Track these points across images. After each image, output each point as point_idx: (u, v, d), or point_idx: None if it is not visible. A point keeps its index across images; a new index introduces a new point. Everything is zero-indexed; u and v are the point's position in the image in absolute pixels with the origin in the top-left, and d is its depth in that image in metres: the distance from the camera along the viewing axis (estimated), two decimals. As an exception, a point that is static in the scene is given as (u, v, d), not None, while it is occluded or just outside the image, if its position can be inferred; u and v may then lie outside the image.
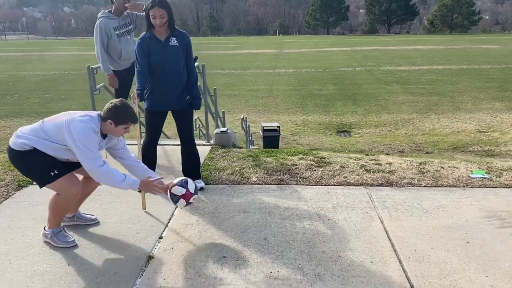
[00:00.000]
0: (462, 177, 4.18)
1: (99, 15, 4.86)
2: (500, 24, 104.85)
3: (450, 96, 22.23)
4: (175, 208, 3.55)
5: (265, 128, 14.55)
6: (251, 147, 8.61)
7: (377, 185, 4.03)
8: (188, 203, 3.05)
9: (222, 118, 7.09)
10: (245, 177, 4.21)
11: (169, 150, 5.16)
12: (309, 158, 4.73)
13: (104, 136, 2.96)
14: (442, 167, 4.44)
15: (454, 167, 4.45)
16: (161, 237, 3.13)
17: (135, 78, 3.85)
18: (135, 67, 3.74)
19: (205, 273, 2.68)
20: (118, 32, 4.77)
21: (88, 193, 3.25)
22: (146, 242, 3.05)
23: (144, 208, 3.52)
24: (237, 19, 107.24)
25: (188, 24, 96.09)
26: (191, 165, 4.00)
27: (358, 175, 4.25)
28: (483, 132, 16.42)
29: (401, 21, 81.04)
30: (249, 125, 14.49)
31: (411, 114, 19.17)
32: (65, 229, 3.10)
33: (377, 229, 3.23)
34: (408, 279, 2.62)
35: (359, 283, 2.59)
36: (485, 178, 4.14)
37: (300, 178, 4.19)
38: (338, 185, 4.05)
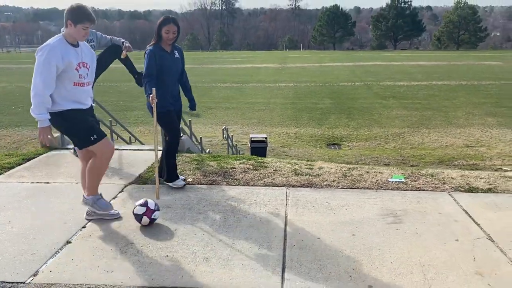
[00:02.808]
0: (381, 180, 4.52)
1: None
2: (511, 41, 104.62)
3: (444, 111, 22.44)
4: (112, 198, 3.98)
5: (252, 139, 14.97)
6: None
7: (298, 186, 4.38)
8: (151, 220, 3.46)
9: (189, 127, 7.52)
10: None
11: (125, 154, 5.60)
12: (249, 163, 5.11)
13: (75, 45, 3.32)
14: (367, 172, 4.78)
15: (379, 172, 4.79)
16: (84, 227, 3.52)
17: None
18: (145, 73, 4.15)
19: (109, 255, 3.06)
20: None
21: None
22: (70, 230, 3.43)
23: (157, 197, 3.92)
24: (247, 34, 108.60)
25: (199, 38, 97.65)
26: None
27: (286, 177, 4.62)
28: (470, 146, 16.61)
29: (408, 37, 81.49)
30: (232, 135, 14.93)
31: (403, 128, 19.44)
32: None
33: (279, 222, 3.58)
34: (284, 262, 2.97)
35: (238, 264, 2.95)
36: (401, 181, 4.48)
37: (231, 179, 4.56)
38: (263, 186, 4.40)
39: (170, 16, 4.20)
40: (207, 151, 8.79)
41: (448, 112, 22.12)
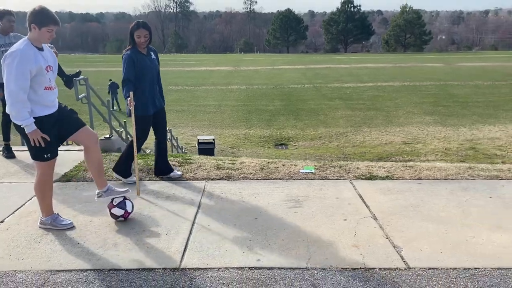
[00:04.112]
0: (293, 172, 4.94)
1: None
2: (455, 44, 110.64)
3: (386, 111, 23.61)
4: (31, 197, 4.14)
5: (200, 141, 15.22)
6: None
7: (217, 179, 4.73)
8: (112, 214, 3.67)
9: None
10: (107, 176, 4.81)
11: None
12: (176, 160, 5.39)
13: (40, 48, 3.32)
14: (283, 165, 5.18)
15: (293, 165, 5.22)
16: (2, 221, 3.68)
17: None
18: (123, 78, 4.32)
19: (23, 245, 3.25)
20: (2, 49, 5.33)
21: (96, 167, 3.70)
22: (-13, 225, 3.60)
23: (138, 194, 4.18)
24: (202, 37, 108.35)
25: (154, 41, 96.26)
26: (165, 162, 4.75)
27: (207, 172, 4.94)
28: (408, 143, 17.65)
29: (358, 40, 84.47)
30: (177, 136, 15.10)
31: (346, 128, 20.31)
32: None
33: (191, 211, 3.89)
34: (186, 245, 3.27)
35: (144, 247, 3.23)
36: (311, 172, 4.92)
37: (154, 175, 4.84)
38: (184, 180, 4.72)
39: (141, 21, 4.43)
40: (147, 152, 8.96)
41: (390, 112, 23.29)
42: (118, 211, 3.63)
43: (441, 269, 2.93)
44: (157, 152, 4.81)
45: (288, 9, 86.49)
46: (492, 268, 2.94)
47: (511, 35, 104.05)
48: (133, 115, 4.24)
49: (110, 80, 25.18)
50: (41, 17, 3.22)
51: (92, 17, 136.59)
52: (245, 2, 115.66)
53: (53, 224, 3.52)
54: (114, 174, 4.69)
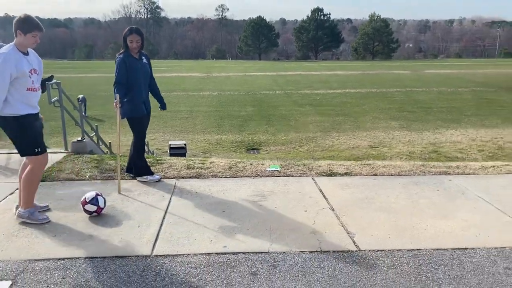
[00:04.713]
0: (260, 170, 5.25)
1: None
2: (422, 51, 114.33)
3: (354, 117, 24.32)
4: (6, 196, 4.28)
5: (171, 146, 15.34)
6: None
7: (187, 178, 4.98)
8: (85, 210, 3.87)
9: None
10: (80, 175, 4.99)
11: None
12: (148, 161, 5.60)
13: (25, 53, 3.57)
14: (251, 164, 5.49)
15: (261, 164, 5.53)
16: (-22, 218, 3.83)
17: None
18: (115, 80, 4.57)
19: (1, 239, 3.42)
20: None
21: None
22: (-35, 222, 3.74)
23: (119, 191, 4.41)
24: (174, 43, 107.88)
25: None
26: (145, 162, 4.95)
27: (178, 171, 5.19)
28: (374, 147, 18.29)
29: (328, 48, 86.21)
30: (148, 141, 15.17)
31: (316, 133, 20.84)
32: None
33: (162, 206, 4.14)
34: (157, 235, 3.52)
35: (118, 239, 3.46)
36: (276, 170, 5.24)
37: (127, 174, 5.04)
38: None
39: (134, 27, 4.71)
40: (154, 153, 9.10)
41: (358, 117, 24.00)
42: (91, 207, 3.83)
43: (388, 250, 3.29)
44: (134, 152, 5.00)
45: (260, 16, 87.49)
46: (432, 249, 3.32)
47: (474, 43, 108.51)
48: (118, 116, 4.45)
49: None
50: (26, 24, 3.50)
51: (60, 23, 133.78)
52: (216, 9, 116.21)
53: (30, 218, 3.69)
54: (138, 178, 4.83)
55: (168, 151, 15.34)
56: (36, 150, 3.63)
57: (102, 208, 3.88)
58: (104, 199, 3.92)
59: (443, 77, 44.18)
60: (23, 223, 3.70)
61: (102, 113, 22.82)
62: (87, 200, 3.83)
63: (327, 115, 24.67)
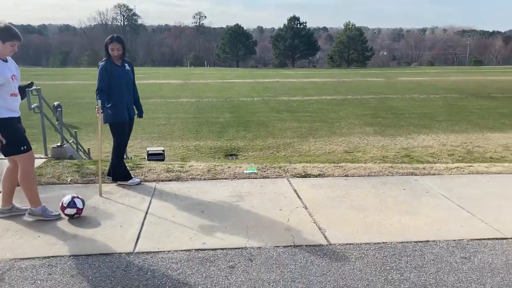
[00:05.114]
0: (237, 172, 5.46)
1: None
2: (396, 59, 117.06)
3: (330, 123, 24.83)
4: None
5: (149, 152, 15.36)
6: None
7: (167, 180, 5.14)
8: (65, 214, 3.98)
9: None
10: (61, 179, 5.10)
11: None
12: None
13: (4, 60, 3.69)
14: (228, 167, 5.70)
15: (238, 167, 5.74)
16: (-39, 221, 3.90)
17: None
18: (97, 87, 4.68)
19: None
20: None
21: (14, 186, 3.97)
22: None
23: (100, 194, 4.55)
24: (151, 50, 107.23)
25: (100, 54, 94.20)
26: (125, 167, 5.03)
27: (158, 174, 5.35)
28: (349, 152, 18.72)
29: (305, 56, 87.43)
30: (126, 148, 15.17)
31: (293, 139, 21.19)
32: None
33: (143, 207, 4.29)
34: (139, 234, 3.68)
35: (101, 238, 3.61)
36: (253, 172, 5.46)
37: (107, 178, 5.17)
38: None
39: (115, 35, 4.88)
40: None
41: (334, 123, 24.52)
42: (70, 211, 3.96)
43: (356, 244, 3.54)
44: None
45: (237, 24, 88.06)
46: (397, 242, 3.59)
47: (446, 51, 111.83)
48: (100, 122, 4.59)
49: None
50: (5, 32, 3.64)
51: (34, 29, 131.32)
52: (194, 16, 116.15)
53: (43, 215, 3.88)
54: (118, 182, 4.97)
55: (146, 158, 15.39)
56: (22, 148, 3.79)
57: (82, 209, 4.00)
58: (82, 200, 4.05)
59: (415, 84, 45.40)
60: (5, 223, 3.80)
61: (78, 121, 22.61)
62: (65, 205, 3.96)
63: (304, 121, 25.10)
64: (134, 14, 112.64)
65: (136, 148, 19.08)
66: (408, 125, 24.17)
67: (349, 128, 23.89)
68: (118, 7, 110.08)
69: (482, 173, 5.69)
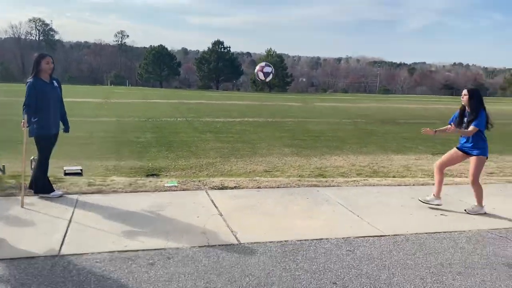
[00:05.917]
0: (159, 186, 5.83)
1: None
2: (314, 86, 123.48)
3: (251, 143, 25.69)
4: None
5: (66, 171, 14.90)
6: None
7: (90, 193, 5.38)
8: None
9: None
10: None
11: None
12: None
13: None
14: (150, 181, 6.05)
15: (159, 181, 6.11)
16: None
17: None
18: (25, 102, 4.84)
19: None
20: None
21: None
22: None
23: (22, 205, 4.64)
24: (69, 67, 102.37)
25: (11, 69, 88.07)
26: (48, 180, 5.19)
27: (80, 188, 5.56)
28: (268, 171, 19.46)
29: (229, 79, 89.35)
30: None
31: (216, 158, 21.58)
32: None
33: (66, 216, 4.52)
34: (64, 240, 3.93)
35: (28, 244, 3.81)
36: (174, 185, 5.87)
37: (29, 191, 5.27)
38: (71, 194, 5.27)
39: (44, 52, 5.24)
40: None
41: (255, 144, 25.38)
42: None
43: (262, 242, 4.11)
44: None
45: (161, 45, 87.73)
46: (296, 240, 4.22)
47: (358, 80, 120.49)
48: (25, 135, 4.75)
49: None
50: None
51: None
52: (116, 35, 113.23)
53: None
54: (41, 194, 5.08)
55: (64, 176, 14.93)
56: None
57: None
58: None
59: (330, 110, 48.44)
60: None
61: (-13, 138, 21.18)
62: None
63: (226, 142, 25.73)
64: (51, 29, 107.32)
65: (52, 167, 18.24)
66: (322, 147, 25.80)
67: (269, 149, 24.96)
68: (34, 21, 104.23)
69: (375, 185, 6.64)
